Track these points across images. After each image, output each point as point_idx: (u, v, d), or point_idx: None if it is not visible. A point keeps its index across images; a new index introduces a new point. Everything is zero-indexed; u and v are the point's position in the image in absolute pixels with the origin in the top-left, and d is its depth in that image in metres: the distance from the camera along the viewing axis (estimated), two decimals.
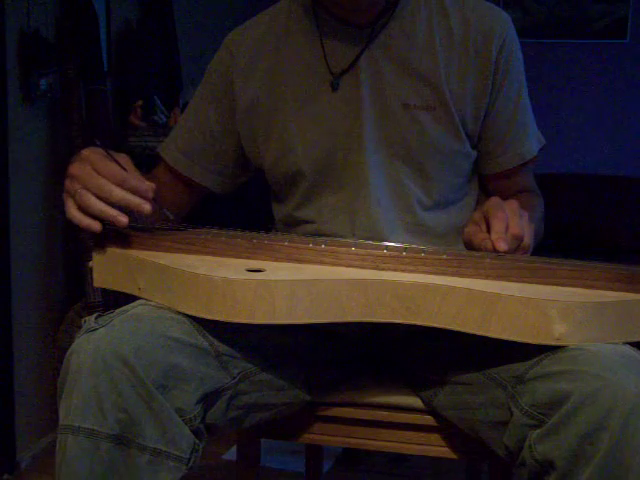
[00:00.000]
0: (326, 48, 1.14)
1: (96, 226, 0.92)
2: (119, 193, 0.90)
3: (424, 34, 1.13)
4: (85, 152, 0.94)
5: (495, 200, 0.99)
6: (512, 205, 0.97)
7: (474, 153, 1.17)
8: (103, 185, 0.90)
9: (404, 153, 1.12)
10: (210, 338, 0.90)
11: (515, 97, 1.17)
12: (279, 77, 1.16)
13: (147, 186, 0.93)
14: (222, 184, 1.26)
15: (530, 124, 1.21)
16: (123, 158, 0.96)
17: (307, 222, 1.18)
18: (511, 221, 0.94)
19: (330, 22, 1.14)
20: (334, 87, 1.13)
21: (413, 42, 1.13)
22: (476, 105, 1.14)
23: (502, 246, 0.92)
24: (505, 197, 1.01)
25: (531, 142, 1.20)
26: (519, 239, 0.94)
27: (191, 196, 1.27)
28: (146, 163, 1.32)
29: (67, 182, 0.93)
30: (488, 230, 0.96)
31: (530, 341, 0.83)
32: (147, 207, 0.92)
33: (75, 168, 0.93)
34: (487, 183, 1.23)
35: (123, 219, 0.91)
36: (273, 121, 1.16)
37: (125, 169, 0.93)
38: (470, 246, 0.99)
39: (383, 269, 0.92)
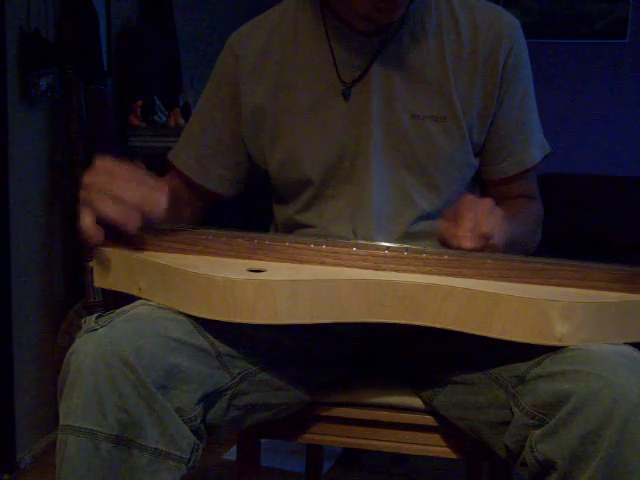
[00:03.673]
0: (336, 55, 1.12)
1: (99, 238, 0.91)
2: (138, 190, 0.91)
3: (434, 42, 1.12)
4: (99, 161, 0.93)
5: (468, 198, 0.99)
6: (484, 203, 0.97)
7: (476, 162, 1.17)
8: (122, 186, 0.90)
9: (411, 163, 1.12)
10: (210, 338, 0.90)
11: (520, 104, 1.16)
12: (286, 82, 1.15)
13: (162, 182, 0.95)
14: (235, 189, 1.25)
15: (534, 131, 1.20)
16: (135, 163, 0.96)
17: (308, 226, 1.17)
18: (480, 219, 0.95)
19: (339, 28, 1.12)
20: (346, 97, 1.12)
21: (423, 51, 1.12)
22: (483, 113, 1.13)
23: (467, 244, 0.94)
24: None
25: (534, 150, 1.19)
26: (486, 237, 0.95)
27: (205, 203, 1.26)
28: (146, 163, 1.31)
29: (82, 192, 0.92)
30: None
31: (531, 341, 0.83)
32: (163, 200, 0.92)
33: (90, 177, 0.91)
34: (487, 188, 1.22)
35: (137, 222, 0.91)
36: (279, 127, 1.15)
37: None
38: (442, 241, 0.99)
39: (384, 269, 0.92)
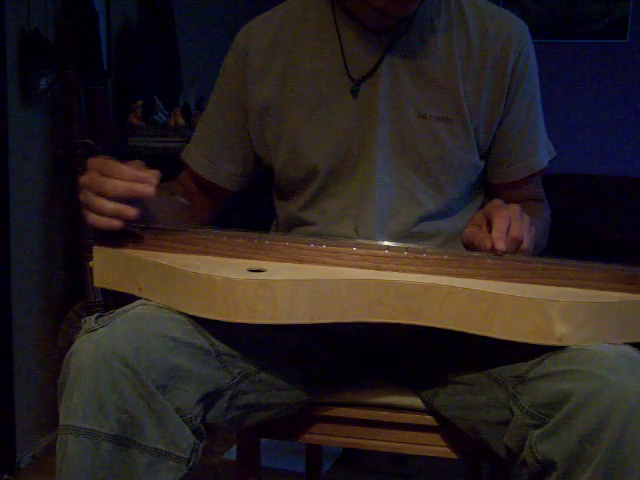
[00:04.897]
0: (345, 51, 1.12)
1: (115, 223, 0.92)
2: (122, 184, 0.91)
3: (443, 43, 1.12)
4: (89, 161, 0.94)
5: (497, 202, 0.99)
6: (514, 208, 0.97)
7: (482, 164, 1.17)
8: (106, 183, 0.91)
9: (417, 163, 1.12)
10: (210, 338, 0.90)
11: (528, 108, 1.16)
12: (294, 79, 1.14)
13: (149, 173, 0.93)
14: (243, 185, 1.25)
15: (541, 135, 1.20)
16: (136, 162, 0.96)
17: (310, 224, 1.17)
18: (512, 223, 0.95)
19: (349, 25, 1.12)
20: (354, 94, 1.12)
21: (432, 51, 1.12)
22: (490, 116, 1.13)
23: (501, 246, 0.92)
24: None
25: (541, 153, 1.19)
26: (518, 242, 0.94)
27: (218, 201, 1.27)
28: (146, 163, 1.31)
29: (80, 195, 0.94)
30: (489, 232, 0.96)
31: (531, 341, 0.83)
32: (149, 189, 0.92)
33: (83, 178, 0.94)
34: (494, 191, 1.22)
35: (132, 211, 0.91)
36: (285, 123, 1.15)
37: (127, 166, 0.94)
38: (469, 246, 0.99)
39: (384, 269, 0.92)
